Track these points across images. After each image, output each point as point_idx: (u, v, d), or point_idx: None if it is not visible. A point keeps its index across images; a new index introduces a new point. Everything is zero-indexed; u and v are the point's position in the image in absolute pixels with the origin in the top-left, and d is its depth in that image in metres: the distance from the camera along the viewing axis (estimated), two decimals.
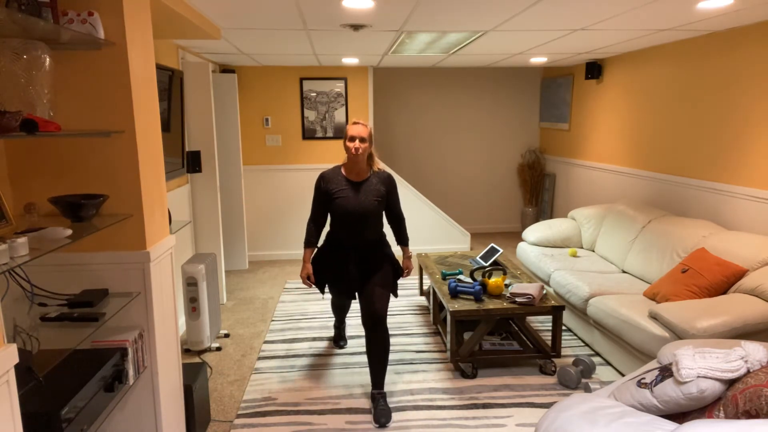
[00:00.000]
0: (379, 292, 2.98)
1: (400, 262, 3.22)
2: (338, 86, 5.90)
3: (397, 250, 6.19)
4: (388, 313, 4.45)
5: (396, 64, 6.02)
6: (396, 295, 3.17)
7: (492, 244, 4.30)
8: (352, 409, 2.98)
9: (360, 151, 2.94)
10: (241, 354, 3.72)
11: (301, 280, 3.69)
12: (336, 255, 3.15)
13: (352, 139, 2.95)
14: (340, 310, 3.65)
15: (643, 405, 1.96)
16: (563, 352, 3.64)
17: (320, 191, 3.09)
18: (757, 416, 1.65)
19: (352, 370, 3.43)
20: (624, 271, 4.16)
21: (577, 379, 3.14)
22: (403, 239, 3.23)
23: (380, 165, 3.15)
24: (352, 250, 3.11)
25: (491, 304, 3.29)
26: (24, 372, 1.42)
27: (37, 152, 1.97)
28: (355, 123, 2.98)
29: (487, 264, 4.11)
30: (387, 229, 6.16)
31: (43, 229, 1.66)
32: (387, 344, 2.94)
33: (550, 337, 3.88)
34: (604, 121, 5.47)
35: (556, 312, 3.30)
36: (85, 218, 1.84)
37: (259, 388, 3.22)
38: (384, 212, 3.17)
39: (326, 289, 5.05)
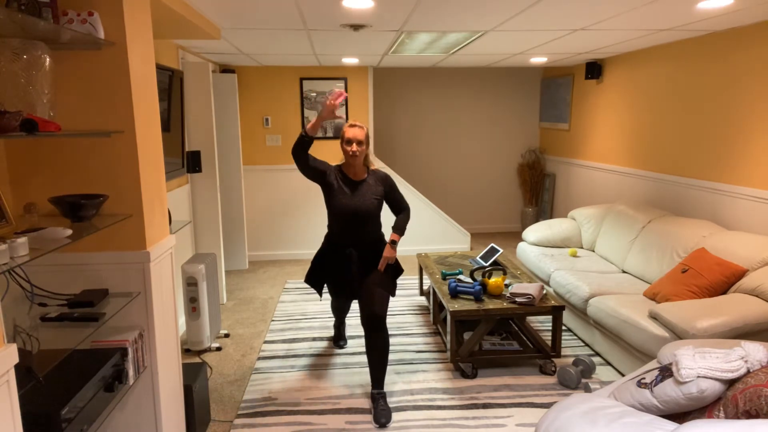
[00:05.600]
0: (378, 293, 2.98)
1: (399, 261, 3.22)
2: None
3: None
4: (388, 313, 4.45)
5: (396, 64, 6.02)
6: (393, 294, 3.17)
7: (492, 244, 4.30)
8: (352, 409, 2.98)
9: (357, 153, 2.96)
10: (241, 354, 3.72)
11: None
12: (335, 256, 3.16)
13: (349, 142, 2.97)
14: (339, 311, 3.65)
15: (643, 405, 1.96)
16: (563, 352, 3.64)
17: (323, 167, 3.04)
18: (757, 416, 1.65)
19: (352, 370, 3.43)
20: (624, 271, 4.16)
21: (577, 379, 3.14)
22: (398, 225, 3.12)
23: (374, 165, 3.18)
24: (351, 251, 3.12)
25: (491, 304, 3.29)
26: (24, 372, 1.42)
27: (37, 152, 1.97)
28: (351, 125, 2.99)
29: (487, 264, 4.11)
30: (386, 230, 6.15)
31: (43, 229, 1.65)
32: (387, 344, 2.94)
33: (550, 337, 3.88)
34: (604, 121, 5.47)
35: (556, 312, 3.30)
36: (85, 218, 1.84)
37: (259, 388, 3.22)
38: (390, 209, 3.21)
39: (324, 290, 5.05)
